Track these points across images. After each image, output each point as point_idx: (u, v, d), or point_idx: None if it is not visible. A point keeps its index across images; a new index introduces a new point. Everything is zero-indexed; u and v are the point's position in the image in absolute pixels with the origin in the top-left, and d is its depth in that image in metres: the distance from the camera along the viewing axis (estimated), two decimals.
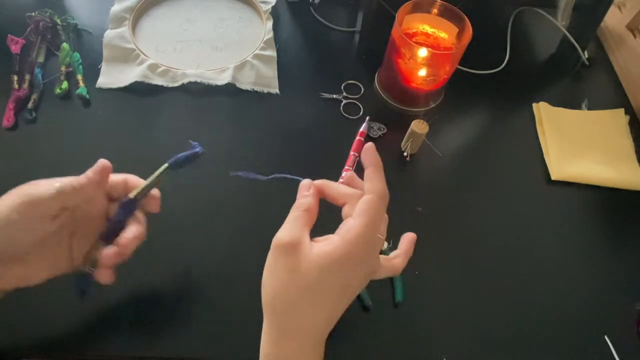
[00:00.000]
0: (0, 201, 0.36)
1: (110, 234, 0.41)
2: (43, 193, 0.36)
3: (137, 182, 0.43)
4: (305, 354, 0.36)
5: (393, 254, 0.43)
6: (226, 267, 0.52)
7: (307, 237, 0.36)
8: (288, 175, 0.44)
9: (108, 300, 0.48)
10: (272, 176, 0.44)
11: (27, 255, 0.37)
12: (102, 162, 0.40)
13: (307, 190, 0.39)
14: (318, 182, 0.41)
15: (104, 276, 0.40)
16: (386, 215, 0.41)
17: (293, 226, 0.37)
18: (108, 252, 0.40)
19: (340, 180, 0.58)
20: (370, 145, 0.40)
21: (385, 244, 0.43)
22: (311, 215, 0.38)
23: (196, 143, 0.45)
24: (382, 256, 0.40)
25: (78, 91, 0.62)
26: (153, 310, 0.48)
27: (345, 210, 0.40)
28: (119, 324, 0.47)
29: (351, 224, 0.36)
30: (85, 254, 0.41)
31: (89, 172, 0.40)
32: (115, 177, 0.43)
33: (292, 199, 0.58)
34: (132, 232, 0.41)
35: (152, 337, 0.47)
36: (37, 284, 0.39)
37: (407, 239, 0.44)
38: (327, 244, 0.36)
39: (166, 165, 0.43)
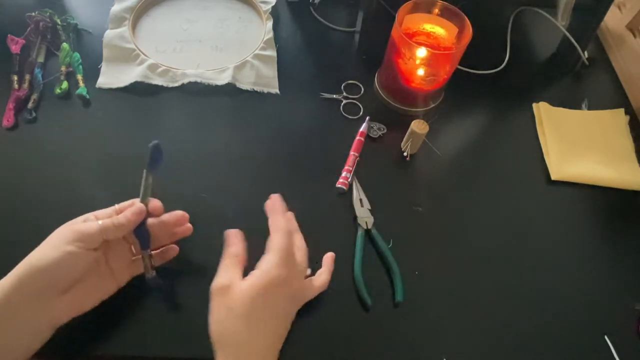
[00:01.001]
0: (52, 238, 0.42)
1: (145, 241, 0.46)
2: (89, 229, 0.42)
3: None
4: None
5: (318, 272, 0.50)
6: None
7: (238, 277, 0.43)
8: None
9: (108, 300, 0.48)
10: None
11: (76, 285, 0.42)
12: (141, 207, 0.45)
13: (235, 238, 0.47)
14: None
15: (172, 251, 0.49)
16: (304, 245, 0.49)
17: (225, 271, 0.44)
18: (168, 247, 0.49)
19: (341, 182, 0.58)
20: (273, 196, 0.50)
21: (309, 270, 0.49)
22: (240, 259, 0.45)
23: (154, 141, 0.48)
24: (310, 278, 0.49)
25: (78, 91, 0.62)
26: (152, 310, 0.48)
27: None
28: (118, 324, 0.47)
29: (266, 258, 0.44)
30: (129, 268, 0.47)
31: (129, 214, 0.44)
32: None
33: (291, 202, 0.58)
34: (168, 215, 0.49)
35: (152, 337, 0.47)
36: (90, 308, 0.44)
37: (327, 258, 0.52)
38: (251, 277, 0.43)
39: (145, 170, 0.47)
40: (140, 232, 0.46)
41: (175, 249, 0.49)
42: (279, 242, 0.45)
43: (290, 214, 0.51)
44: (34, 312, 0.40)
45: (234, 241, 0.46)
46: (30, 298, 0.39)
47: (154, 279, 0.47)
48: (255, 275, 0.43)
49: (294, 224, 0.51)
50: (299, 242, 0.49)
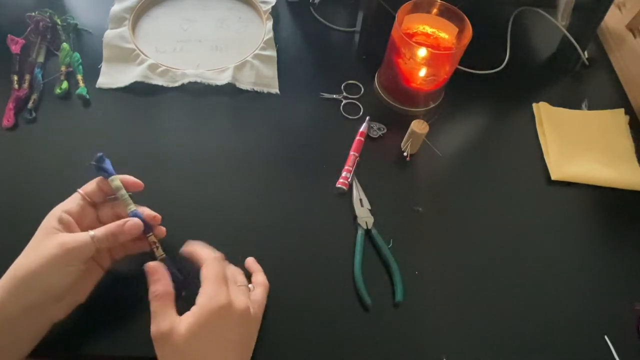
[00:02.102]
0: (39, 247, 0.41)
1: (147, 227, 0.46)
2: (80, 243, 0.41)
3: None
4: None
5: (252, 279, 0.49)
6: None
7: (175, 319, 0.40)
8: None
9: (107, 301, 0.48)
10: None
11: (74, 285, 0.42)
12: (138, 223, 0.45)
13: (157, 274, 0.43)
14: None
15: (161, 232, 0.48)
16: (239, 269, 0.48)
17: (161, 315, 0.40)
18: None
19: (340, 180, 0.58)
20: (189, 242, 0.47)
21: (251, 286, 0.48)
22: (169, 296, 0.42)
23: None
24: (251, 293, 0.47)
25: (78, 91, 0.62)
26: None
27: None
28: (117, 324, 0.47)
29: (200, 291, 0.42)
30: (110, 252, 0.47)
31: (126, 228, 0.44)
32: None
33: (291, 202, 0.58)
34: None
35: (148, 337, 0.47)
36: (87, 295, 0.45)
37: (249, 262, 0.51)
38: (190, 316, 0.40)
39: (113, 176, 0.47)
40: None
41: (157, 217, 0.47)
42: (208, 271, 0.43)
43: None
44: (31, 319, 0.40)
45: (158, 277, 0.42)
46: (27, 308, 0.39)
47: (166, 260, 0.46)
48: (194, 312, 0.40)
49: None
50: (232, 269, 0.48)
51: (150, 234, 0.46)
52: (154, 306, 0.41)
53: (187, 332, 0.39)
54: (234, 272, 0.47)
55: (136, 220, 0.45)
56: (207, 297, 0.41)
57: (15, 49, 0.63)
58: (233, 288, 0.44)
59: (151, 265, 0.43)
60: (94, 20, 0.69)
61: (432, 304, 0.52)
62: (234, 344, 0.42)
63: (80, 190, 0.46)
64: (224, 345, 0.41)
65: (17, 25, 0.65)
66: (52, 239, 0.41)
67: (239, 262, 0.52)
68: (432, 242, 0.57)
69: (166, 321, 0.40)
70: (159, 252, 0.47)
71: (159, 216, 0.47)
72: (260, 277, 0.49)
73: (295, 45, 0.73)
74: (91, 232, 0.42)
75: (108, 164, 0.47)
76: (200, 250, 0.45)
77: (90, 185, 0.46)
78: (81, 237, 0.41)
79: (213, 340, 0.40)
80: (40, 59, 0.64)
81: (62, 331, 0.45)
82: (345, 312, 0.51)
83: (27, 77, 0.62)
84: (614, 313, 0.53)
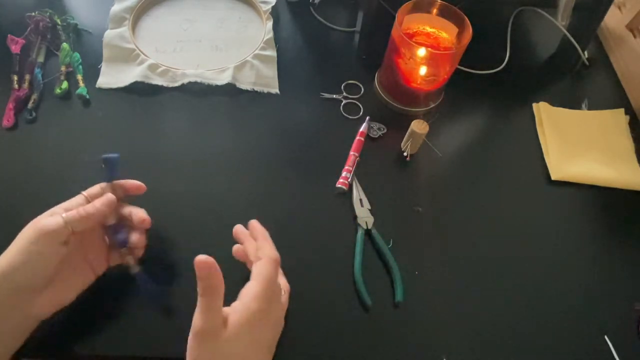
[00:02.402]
0: (18, 239, 0.41)
1: (122, 241, 0.46)
2: (52, 224, 0.40)
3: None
4: None
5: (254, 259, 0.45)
6: (224, 266, 0.51)
7: (220, 319, 0.38)
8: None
9: (107, 301, 0.48)
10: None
11: (53, 281, 0.41)
12: (110, 197, 0.44)
13: (207, 270, 0.39)
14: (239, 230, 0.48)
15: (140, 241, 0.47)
16: (281, 271, 0.48)
17: (208, 314, 0.38)
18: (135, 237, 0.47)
19: (341, 180, 0.58)
20: (254, 221, 0.48)
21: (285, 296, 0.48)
22: (219, 293, 0.39)
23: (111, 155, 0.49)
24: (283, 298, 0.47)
25: (78, 91, 0.62)
26: (142, 309, 0.48)
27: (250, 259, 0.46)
28: (117, 324, 0.47)
29: (249, 287, 0.41)
30: (106, 256, 0.47)
31: (97, 204, 0.43)
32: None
33: (291, 202, 0.58)
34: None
35: (148, 337, 0.47)
36: (72, 300, 0.43)
37: (255, 229, 0.48)
38: (234, 314, 0.39)
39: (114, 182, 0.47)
40: (116, 231, 0.46)
41: (146, 221, 0.47)
42: (266, 270, 0.42)
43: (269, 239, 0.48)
44: (14, 312, 0.40)
45: (207, 273, 0.38)
46: (8, 299, 0.39)
47: (139, 275, 0.46)
48: (237, 309, 0.39)
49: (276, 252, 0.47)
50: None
51: (125, 247, 0.46)
52: (201, 301, 0.38)
53: (231, 332, 0.38)
54: (281, 273, 0.48)
55: (108, 196, 0.44)
56: (255, 297, 0.40)
57: (15, 49, 0.63)
58: (277, 295, 0.44)
59: (200, 261, 0.38)
60: (94, 20, 0.69)
61: (432, 304, 0.52)
62: (265, 347, 0.42)
63: (85, 193, 0.45)
64: (258, 347, 0.41)
65: (17, 25, 0.65)
66: (28, 226, 0.41)
67: (238, 263, 0.52)
68: (432, 242, 0.57)
69: (210, 320, 0.38)
70: (134, 267, 0.46)
71: (148, 219, 0.47)
72: (283, 281, 0.49)
73: (295, 45, 0.73)
74: (64, 214, 0.41)
75: (117, 168, 0.47)
76: (263, 242, 0.45)
77: (94, 189, 0.46)
78: (54, 219, 0.41)
79: (250, 342, 0.40)
80: (40, 59, 0.64)
81: (63, 332, 0.45)
82: (345, 312, 0.51)
83: (27, 77, 0.62)
84: (614, 313, 0.53)
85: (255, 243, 0.46)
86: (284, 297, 0.47)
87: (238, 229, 0.49)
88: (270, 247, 0.45)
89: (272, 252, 0.44)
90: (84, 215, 0.42)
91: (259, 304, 0.40)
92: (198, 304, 0.38)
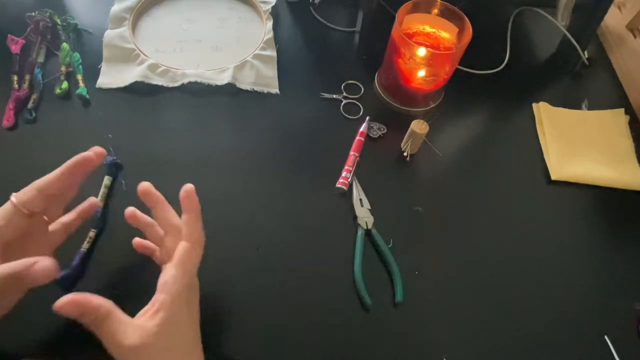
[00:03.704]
0: None
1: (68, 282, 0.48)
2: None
3: (48, 183, 0.43)
4: None
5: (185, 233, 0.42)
6: (224, 267, 0.51)
7: (138, 327, 0.36)
8: None
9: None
10: None
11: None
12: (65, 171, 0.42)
13: (82, 303, 0.35)
14: (159, 195, 0.43)
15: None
16: (202, 236, 0.42)
17: (120, 335, 0.35)
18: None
19: (341, 180, 0.58)
20: (190, 189, 0.41)
21: None
22: (112, 309, 0.36)
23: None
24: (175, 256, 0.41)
25: (78, 91, 0.62)
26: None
27: (166, 244, 0.42)
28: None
29: (171, 275, 0.38)
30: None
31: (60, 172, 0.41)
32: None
33: (291, 202, 0.58)
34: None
35: None
36: (10, 309, 0.40)
37: (188, 198, 0.42)
38: (156, 310, 0.37)
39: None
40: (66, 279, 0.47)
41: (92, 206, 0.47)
42: (189, 255, 0.39)
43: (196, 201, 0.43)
44: None
45: (87, 301, 0.35)
46: None
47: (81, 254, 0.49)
48: (162, 302, 0.37)
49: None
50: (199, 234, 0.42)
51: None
52: (103, 330, 0.35)
53: (158, 331, 0.36)
54: (198, 240, 0.42)
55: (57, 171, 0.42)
56: (176, 287, 0.38)
57: (15, 49, 0.63)
58: (195, 280, 0.41)
59: (75, 299, 0.34)
60: (94, 20, 0.69)
61: (432, 304, 0.52)
62: (196, 324, 0.41)
63: (13, 198, 0.40)
64: (194, 328, 0.40)
65: (17, 25, 0.65)
66: None
67: (238, 264, 0.52)
68: (432, 242, 0.57)
69: (130, 333, 0.35)
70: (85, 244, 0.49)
71: (94, 200, 0.48)
72: (196, 233, 0.42)
73: (295, 45, 0.73)
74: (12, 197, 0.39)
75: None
76: (194, 221, 0.41)
77: (26, 194, 0.40)
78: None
79: (185, 327, 0.39)
80: (40, 59, 0.64)
81: (63, 333, 0.45)
82: (345, 312, 0.51)
83: (27, 77, 0.62)
84: (614, 313, 0.53)
85: (178, 218, 0.42)
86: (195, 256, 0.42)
87: (150, 189, 0.42)
88: (197, 230, 0.41)
89: (198, 236, 0.41)
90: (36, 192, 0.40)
91: (182, 295, 0.38)
92: (100, 336, 0.35)
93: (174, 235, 0.41)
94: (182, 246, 0.40)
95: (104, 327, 0.35)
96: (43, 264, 0.36)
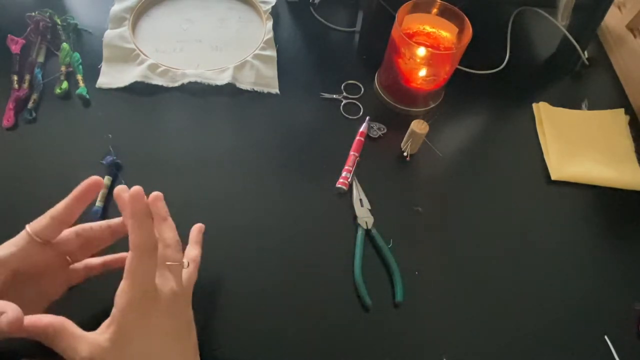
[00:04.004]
0: None
1: None
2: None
3: (89, 232, 0.43)
4: None
5: (185, 252, 0.44)
6: (223, 266, 0.52)
7: (90, 340, 0.35)
8: None
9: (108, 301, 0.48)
10: None
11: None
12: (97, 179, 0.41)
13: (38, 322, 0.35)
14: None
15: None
16: (175, 237, 0.41)
17: (70, 352, 0.34)
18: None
19: (341, 181, 0.58)
20: (136, 192, 0.37)
21: (185, 262, 0.42)
22: (65, 325, 0.35)
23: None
24: (184, 271, 0.41)
25: (78, 91, 0.62)
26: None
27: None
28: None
29: (120, 287, 0.36)
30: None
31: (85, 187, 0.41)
32: (66, 232, 0.43)
33: (291, 202, 0.58)
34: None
35: None
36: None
37: (194, 231, 0.47)
38: (107, 324, 0.36)
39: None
40: None
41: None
42: (136, 265, 0.36)
43: (155, 196, 0.42)
44: None
45: (46, 322, 0.35)
46: None
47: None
48: (112, 316, 0.35)
49: (162, 211, 0.42)
50: (168, 234, 0.41)
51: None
52: (56, 347, 0.35)
53: (109, 346, 0.34)
54: (169, 243, 0.40)
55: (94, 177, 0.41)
56: (125, 300, 0.35)
57: (15, 49, 0.63)
58: (160, 271, 0.38)
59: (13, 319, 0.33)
60: (94, 20, 0.69)
61: (432, 304, 0.52)
62: (169, 336, 0.38)
63: (28, 228, 0.39)
64: (158, 342, 0.37)
65: (17, 25, 0.65)
66: None
67: (238, 264, 0.52)
68: (432, 242, 0.57)
69: (80, 348, 0.34)
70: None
71: (124, 255, 0.45)
72: (192, 252, 0.45)
73: (295, 45, 0.73)
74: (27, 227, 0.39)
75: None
76: (136, 229, 0.37)
77: (40, 222, 0.40)
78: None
79: (142, 341, 0.36)
80: (40, 59, 0.64)
81: None
82: (345, 312, 0.51)
83: (27, 77, 0.62)
84: (614, 313, 0.53)
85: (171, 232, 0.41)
86: (187, 271, 0.42)
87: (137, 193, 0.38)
88: (141, 235, 0.37)
89: (143, 242, 0.37)
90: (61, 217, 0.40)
91: (135, 307, 0.36)
92: (57, 350, 0.35)
93: (174, 248, 0.40)
94: (129, 256, 0.37)
95: (56, 344, 0.35)
96: (11, 316, 0.33)
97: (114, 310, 0.36)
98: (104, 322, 0.36)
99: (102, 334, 0.35)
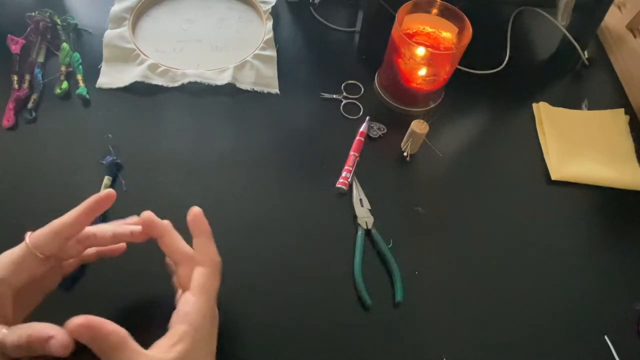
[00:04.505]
0: None
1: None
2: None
3: (93, 241, 0.41)
4: None
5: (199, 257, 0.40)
6: (224, 266, 0.51)
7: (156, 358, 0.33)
8: None
9: (109, 301, 0.48)
10: None
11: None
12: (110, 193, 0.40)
13: (94, 327, 0.32)
14: (165, 224, 0.39)
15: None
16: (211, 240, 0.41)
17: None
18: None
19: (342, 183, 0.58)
20: (197, 212, 0.39)
21: None
22: (126, 338, 0.33)
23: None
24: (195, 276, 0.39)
25: (78, 91, 0.62)
26: (151, 314, 0.48)
27: (179, 273, 0.38)
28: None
29: (192, 304, 0.35)
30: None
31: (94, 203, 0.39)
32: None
33: (291, 202, 0.58)
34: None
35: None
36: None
37: (195, 219, 0.41)
38: (176, 342, 0.34)
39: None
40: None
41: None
42: (209, 280, 0.37)
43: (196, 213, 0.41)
44: None
45: (100, 327, 0.32)
46: None
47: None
48: (183, 337, 0.34)
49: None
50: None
51: None
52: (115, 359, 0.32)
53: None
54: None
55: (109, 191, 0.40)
56: (200, 316, 0.35)
57: (15, 49, 0.63)
58: (215, 306, 0.39)
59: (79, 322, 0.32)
60: (94, 20, 0.69)
61: (432, 304, 0.52)
62: (211, 352, 0.38)
63: (28, 240, 0.37)
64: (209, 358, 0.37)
65: (17, 25, 0.65)
66: None
67: (238, 264, 0.52)
68: (432, 242, 0.57)
69: None
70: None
71: (123, 246, 0.44)
72: (210, 255, 0.41)
73: (295, 45, 0.73)
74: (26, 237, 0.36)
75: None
76: (206, 244, 0.39)
77: (43, 238, 0.37)
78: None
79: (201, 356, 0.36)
80: (40, 59, 0.64)
81: None
82: (345, 312, 0.51)
83: (27, 77, 0.62)
84: (614, 313, 0.53)
85: (188, 245, 0.40)
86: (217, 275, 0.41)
87: (154, 219, 0.39)
88: (211, 250, 0.38)
89: (213, 258, 0.38)
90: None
91: (206, 323, 0.35)
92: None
93: (187, 264, 0.39)
94: (199, 272, 0.37)
95: (113, 355, 0.32)
96: (59, 340, 0.32)
97: (184, 328, 0.34)
98: (164, 341, 0.34)
99: (168, 352, 0.33)
